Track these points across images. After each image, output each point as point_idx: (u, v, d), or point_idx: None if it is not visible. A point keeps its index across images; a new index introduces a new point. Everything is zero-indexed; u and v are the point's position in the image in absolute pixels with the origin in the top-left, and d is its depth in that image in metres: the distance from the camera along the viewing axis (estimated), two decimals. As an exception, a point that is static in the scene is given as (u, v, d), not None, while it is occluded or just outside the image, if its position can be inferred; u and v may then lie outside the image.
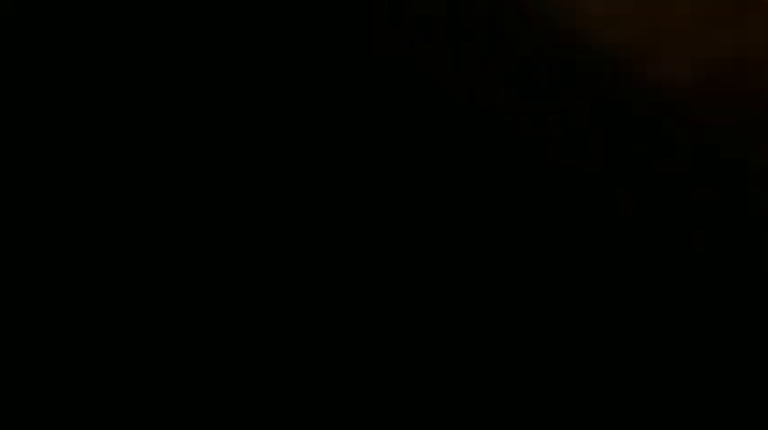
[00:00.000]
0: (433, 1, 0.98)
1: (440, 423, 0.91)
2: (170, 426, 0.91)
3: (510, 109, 0.96)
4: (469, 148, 0.96)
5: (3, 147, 0.96)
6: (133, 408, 0.91)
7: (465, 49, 0.98)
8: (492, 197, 0.96)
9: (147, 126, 0.98)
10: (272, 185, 0.96)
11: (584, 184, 0.95)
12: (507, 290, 0.93)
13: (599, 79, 0.96)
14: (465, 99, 0.97)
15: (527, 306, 0.93)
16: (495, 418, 0.91)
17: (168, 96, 0.98)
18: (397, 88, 0.97)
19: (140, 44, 0.99)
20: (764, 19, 0.97)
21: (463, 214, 0.95)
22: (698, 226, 0.94)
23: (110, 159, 0.97)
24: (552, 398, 0.91)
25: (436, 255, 0.94)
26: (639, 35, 0.97)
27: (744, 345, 0.92)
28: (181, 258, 0.95)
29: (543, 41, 0.97)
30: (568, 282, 0.93)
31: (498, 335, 0.92)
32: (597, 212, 0.94)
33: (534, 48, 0.97)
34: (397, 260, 0.94)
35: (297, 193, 0.96)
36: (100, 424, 0.91)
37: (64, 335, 0.92)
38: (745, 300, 0.92)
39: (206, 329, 0.93)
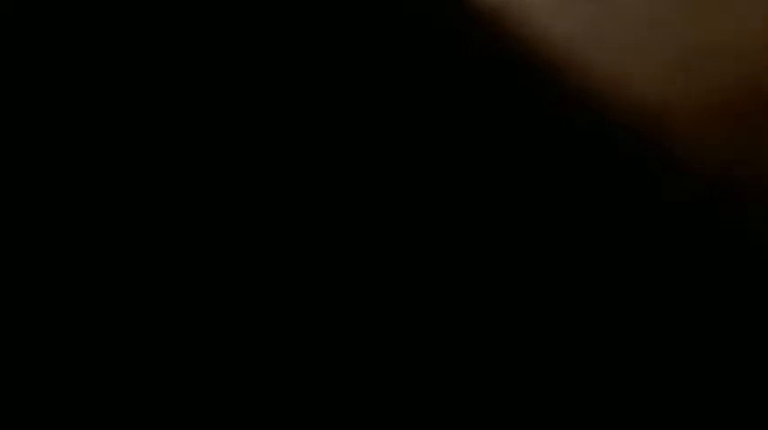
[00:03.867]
0: None
1: (440, 423, 0.91)
2: (170, 426, 0.91)
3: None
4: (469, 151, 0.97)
5: (3, 147, 0.96)
6: (133, 408, 0.91)
7: None
8: (491, 198, 0.96)
9: (148, 126, 0.98)
10: (271, 184, 0.96)
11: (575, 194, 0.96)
12: (506, 289, 0.94)
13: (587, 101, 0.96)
14: None
15: (527, 305, 0.93)
16: (495, 418, 0.91)
17: (168, 96, 0.98)
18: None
19: (140, 44, 0.99)
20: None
21: (462, 215, 0.96)
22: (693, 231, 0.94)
23: (110, 159, 0.97)
24: (552, 398, 0.91)
25: (435, 254, 0.95)
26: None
27: (744, 345, 0.92)
28: (181, 258, 0.95)
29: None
30: (567, 282, 0.94)
31: (499, 335, 0.93)
32: (593, 217, 0.95)
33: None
34: (396, 259, 0.94)
35: (297, 193, 0.96)
36: (100, 424, 0.91)
37: (64, 335, 0.93)
38: (744, 302, 0.92)
39: (206, 329, 0.93)
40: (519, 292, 0.93)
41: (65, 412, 0.91)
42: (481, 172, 0.96)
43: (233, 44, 1.00)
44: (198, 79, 0.99)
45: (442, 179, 0.96)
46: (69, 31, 0.98)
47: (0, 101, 0.97)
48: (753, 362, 0.91)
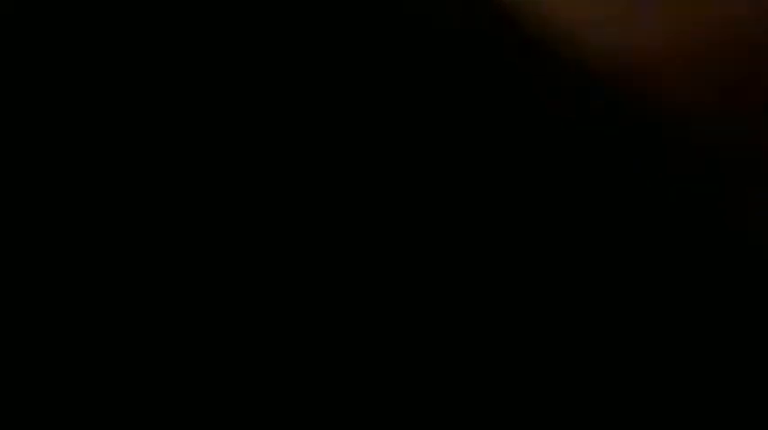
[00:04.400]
0: None
1: (440, 423, 0.91)
2: (170, 426, 0.91)
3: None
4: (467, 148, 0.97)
5: (3, 147, 0.96)
6: (133, 408, 0.91)
7: None
8: (487, 198, 0.96)
9: (148, 126, 0.98)
10: (270, 184, 0.96)
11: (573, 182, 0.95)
12: (503, 283, 0.94)
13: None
14: None
15: (526, 302, 0.93)
16: (495, 418, 0.91)
17: (168, 96, 0.98)
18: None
19: (140, 44, 0.99)
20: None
21: (462, 215, 0.96)
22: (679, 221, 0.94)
23: (110, 159, 0.97)
24: (552, 398, 0.91)
25: (433, 250, 0.95)
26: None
27: (743, 345, 0.92)
28: (181, 258, 0.95)
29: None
30: (565, 282, 0.94)
31: (498, 332, 0.93)
32: (586, 211, 0.95)
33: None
34: (398, 258, 0.94)
35: (296, 192, 0.96)
36: (100, 424, 0.91)
37: (64, 335, 0.93)
38: (730, 297, 0.92)
39: (206, 329, 0.93)
40: (517, 287, 0.93)
41: (65, 412, 0.91)
42: (482, 168, 0.96)
43: (233, 44, 1.00)
44: (198, 79, 0.99)
45: (442, 177, 0.96)
46: (69, 31, 0.99)
47: (0, 101, 0.97)
48: (754, 361, 0.91)
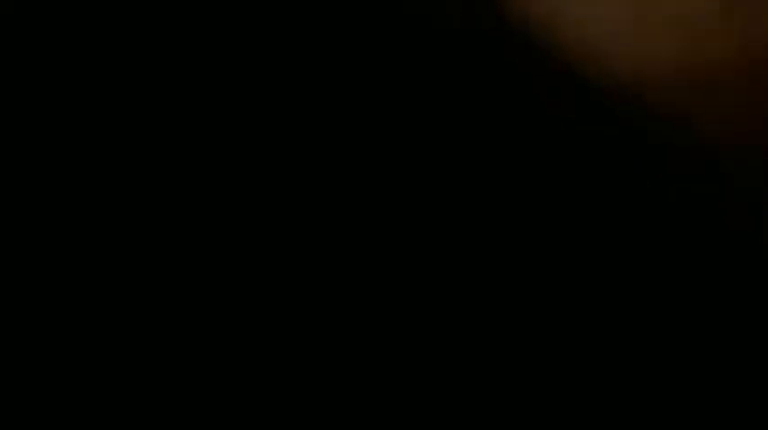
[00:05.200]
0: None
1: (440, 423, 0.91)
2: (170, 426, 0.91)
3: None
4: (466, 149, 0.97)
5: (3, 147, 0.96)
6: (133, 408, 0.91)
7: None
8: (485, 199, 0.96)
9: (148, 126, 0.98)
10: (270, 184, 0.96)
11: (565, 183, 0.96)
12: (507, 288, 0.94)
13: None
14: None
15: (526, 302, 0.93)
16: (495, 418, 0.91)
17: (168, 96, 0.98)
18: None
19: (140, 44, 0.99)
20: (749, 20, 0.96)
21: (462, 216, 0.96)
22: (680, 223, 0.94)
23: (110, 159, 0.97)
24: (552, 398, 0.91)
25: (436, 254, 0.95)
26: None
27: (737, 347, 0.92)
28: (180, 258, 0.95)
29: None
30: (564, 282, 0.94)
31: (498, 332, 0.93)
32: (578, 212, 0.95)
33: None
34: (399, 257, 0.94)
35: (295, 192, 0.96)
36: (100, 424, 0.91)
37: (64, 335, 0.93)
38: (730, 296, 0.92)
39: (206, 329, 0.93)
40: (517, 286, 0.93)
41: (65, 412, 0.91)
42: (482, 168, 0.96)
43: (233, 44, 1.00)
44: (198, 79, 0.99)
45: (442, 177, 0.96)
46: (69, 31, 0.99)
47: (0, 101, 0.97)
48: (754, 360, 0.91)
